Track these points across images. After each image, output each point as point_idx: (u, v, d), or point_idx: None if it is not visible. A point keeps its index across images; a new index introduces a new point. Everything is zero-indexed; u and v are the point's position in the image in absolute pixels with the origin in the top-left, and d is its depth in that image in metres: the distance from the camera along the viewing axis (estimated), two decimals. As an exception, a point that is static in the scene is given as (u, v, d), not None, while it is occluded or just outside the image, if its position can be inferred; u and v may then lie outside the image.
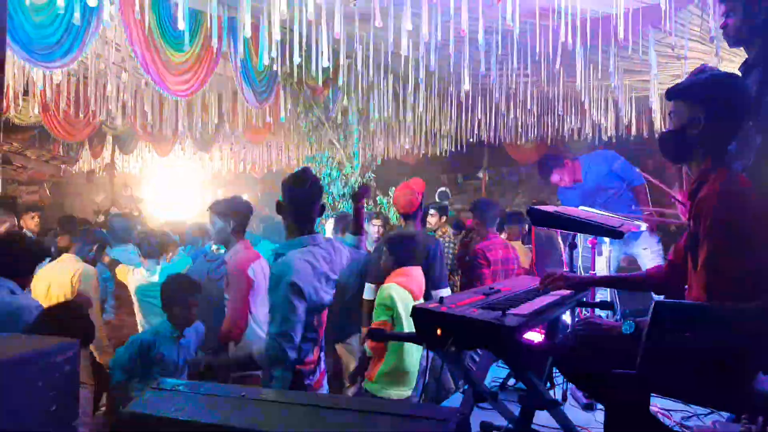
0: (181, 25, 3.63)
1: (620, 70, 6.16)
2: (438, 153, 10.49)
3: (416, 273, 3.47)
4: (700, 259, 1.82)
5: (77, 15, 3.74)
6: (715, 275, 1.77)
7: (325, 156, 7.03)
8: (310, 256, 2.45)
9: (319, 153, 7.19)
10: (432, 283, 3.68)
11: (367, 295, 3.97)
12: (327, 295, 2.56)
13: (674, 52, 5.26)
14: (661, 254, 4.67)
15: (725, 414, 2.45)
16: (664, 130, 2.00)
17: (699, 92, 1.93)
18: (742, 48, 2.51)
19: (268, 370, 2.38)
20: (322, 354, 2.74)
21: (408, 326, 3.20)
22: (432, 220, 6.22)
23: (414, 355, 3.32)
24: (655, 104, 6.66)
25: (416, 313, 1.77)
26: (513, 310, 1.80)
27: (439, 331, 1.70)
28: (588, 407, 3.05)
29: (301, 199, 2.56)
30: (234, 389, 1.47)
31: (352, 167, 7.08)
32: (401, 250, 3.47)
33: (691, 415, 2.80)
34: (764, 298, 1.76)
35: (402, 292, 3.31)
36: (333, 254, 2.63)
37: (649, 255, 4.60)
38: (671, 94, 1.99)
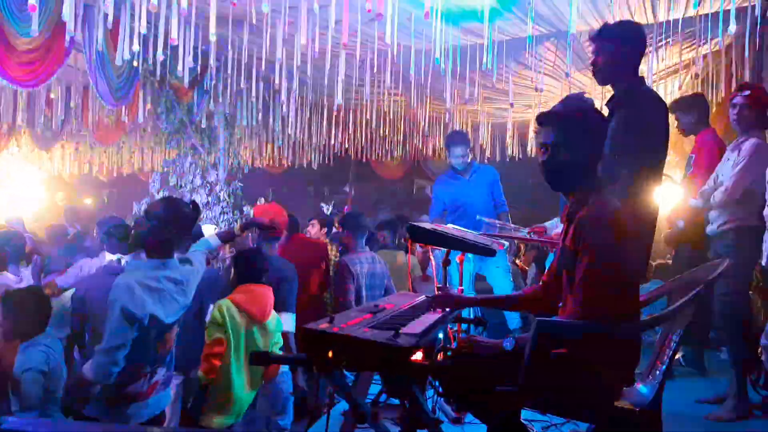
0: (32, 6, 3.21)
1: (482, 96, 6.54)
2: (305, 164, 10.42)
3: (260, 291, 3.35)
4: (577, 276, 1.93)
5: None
6: (591, 292, 1.88)
7: (187, 162, 6.62)
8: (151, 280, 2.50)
9: (180, 157, 6.75)
10: (278, 305, 3.60)
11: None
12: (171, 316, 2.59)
13: (531, 84, 5.69)
14: (510, 273, 4.90)
15: (583, 424, 2.63)
16: (541, 159, 2.08)
17: (569, 120, 2.03)
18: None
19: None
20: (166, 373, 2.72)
21: (234, 349, 3.17)
22: (312, 230, 6.05)
23: (240, 381, 3.22)
24: (510, 131, 7.17)
25: (305, 334, 1.68)
26: (404, 329, 1.79)
27: (330, 354, 1.63)
28: (456, 421, 3.14)
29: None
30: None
31: (217, 175, 6.74)
32: (244, 267, 3.39)
33: (549, 425, 2.98)
34: (631, 317, 1.93)
35: (234, 310, 3.21)
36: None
37: (501, 273, 4.80)
38: (541, 118, 2.09)
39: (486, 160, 8.76)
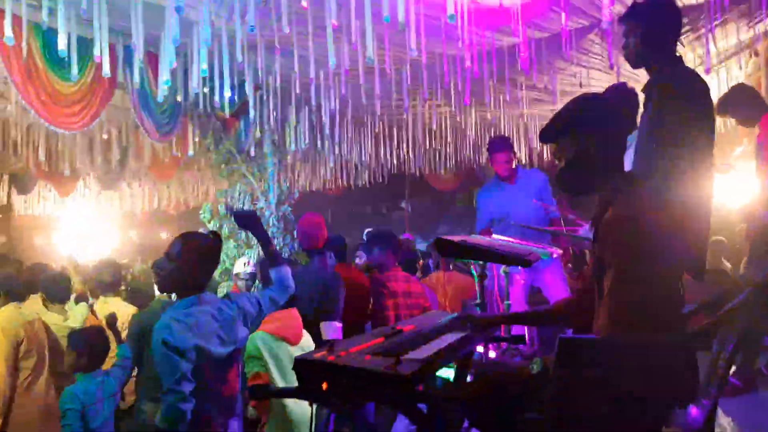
0: (62, 45, 3.30)
1: (527, 99, 6.28)
2: (361, 184, 10.40)
3: (289, 315, 3.24)
4: (605, 286, 1.72)
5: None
6: (620, 304, 1.67)
7: (237, 190, 6.72)
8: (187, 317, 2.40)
9: (231, 188, 6.87)
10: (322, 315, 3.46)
11: None
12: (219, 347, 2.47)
13: (576, 80, 5.40)
14: (566, 283, 4.59)
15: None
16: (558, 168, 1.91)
17: (573, 123, 1.85)
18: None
19: None
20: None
21: (280, 377, 3.06)
22: (360, 261, 5.74)
23: (293, 403, 3.09)
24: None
25: (299, 364, 1.55)
26: (411, 354, 1.63)
27: (325, 385, 1.49)
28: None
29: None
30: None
31: (266, 201, 6.80)
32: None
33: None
34: (673, 328, 1.68)
35: (269, 339, 3.12)
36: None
37: (557, 284, 4.51)
38: (547, 134, 1.91)
39: (542, 165, 8.43)
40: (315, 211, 4.32)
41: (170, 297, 3.81)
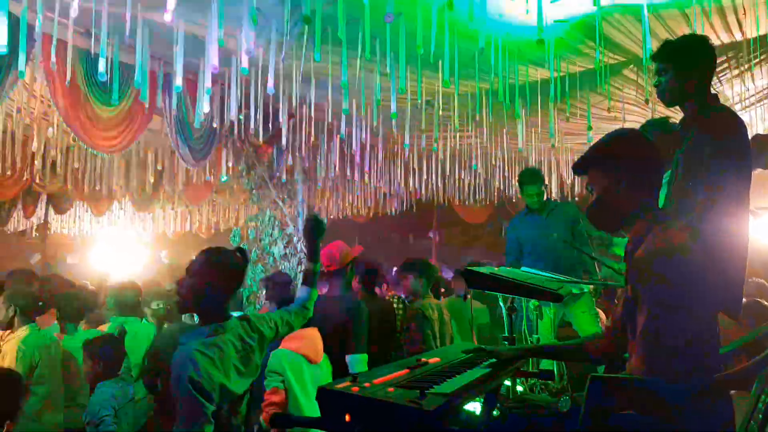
0: (102, 69, 3.43)
1: (560, 131, 6.24)
2: (388, 212, 10.44)
3: (309, 334, 3.23)
4: (639, 323, 1.67)
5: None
6: (655, 343, 1.62)
7: (267, 216, 6.79)
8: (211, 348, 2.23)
9: (260, 213, 6.95)
10: (344, 346, 3.40)
11: None
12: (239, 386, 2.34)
13: (610, 114, 5.36)
14: (597, 318, 4.48)
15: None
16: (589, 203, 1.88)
17: (608, 156, 1.83)
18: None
19: None
20: None
21: (302, 395, 3.03)
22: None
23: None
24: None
25: (322, 394, 1.53)
26: (436, 388, 1.59)
27: (348, 417, 1.47)
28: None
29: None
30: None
31: (295, 227, 6.86)
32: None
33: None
34: (709, 369, 1.62)
35: (293, 358, 3.09)
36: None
37: (587, 319, 4.40)
38: (581, 165, 1.89)
39: (575, 199, 8.34)
40: (342, 237, 4.31)
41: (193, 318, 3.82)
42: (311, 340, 3.24)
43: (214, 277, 2.33)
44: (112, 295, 4.34)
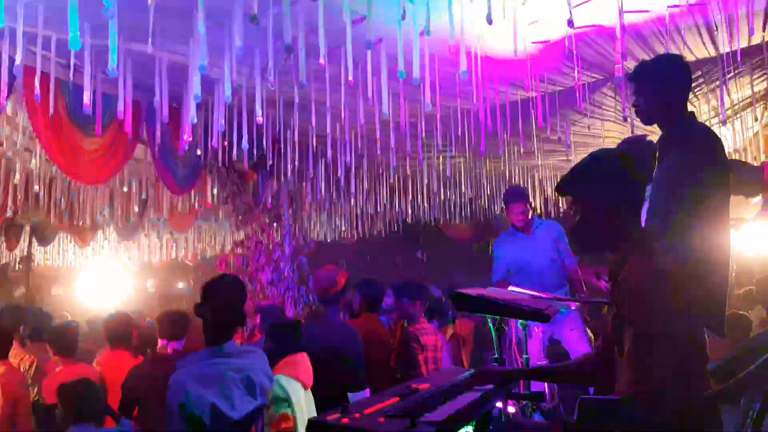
0: (87, 101, 3.43)
1: (542, 150, 6.31)
2: (375, 234, 10.45)
3: (302, 359, 3.23)
4: (626, 344, 1.69)
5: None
6: (642, 363, 1.63)
7: (253, 242, 6.76)
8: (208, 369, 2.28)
9: (247, 239, 6.92)
10: (346, 382, 3.40)
11: None
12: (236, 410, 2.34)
13: (590, 132, 5.44)
14: (587, 336, 4.50)
15: None
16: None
17: (589, 179, 1.85)
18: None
19: None
20: None
21: (301, 423, 2.98)
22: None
23: None
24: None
25: (313, 427, 1.52)
26: (427, 416, 1.59)
27: (339, 448, 1.46)
28: None
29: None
30: None
31: (282, 252, 6.83)
32: (282, 338, 3.24)
33: None
34: (697, 386, 1.63)
35: (293, 384, 3.07)
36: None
37: (576, 337, 4.41)
38: (563, 187, 1.92)
39: (558, 216, 8.40)
40: (330, 261, 4.30)
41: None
42: (305, 366, 3.22)
43: (219, 302, 2.47)
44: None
